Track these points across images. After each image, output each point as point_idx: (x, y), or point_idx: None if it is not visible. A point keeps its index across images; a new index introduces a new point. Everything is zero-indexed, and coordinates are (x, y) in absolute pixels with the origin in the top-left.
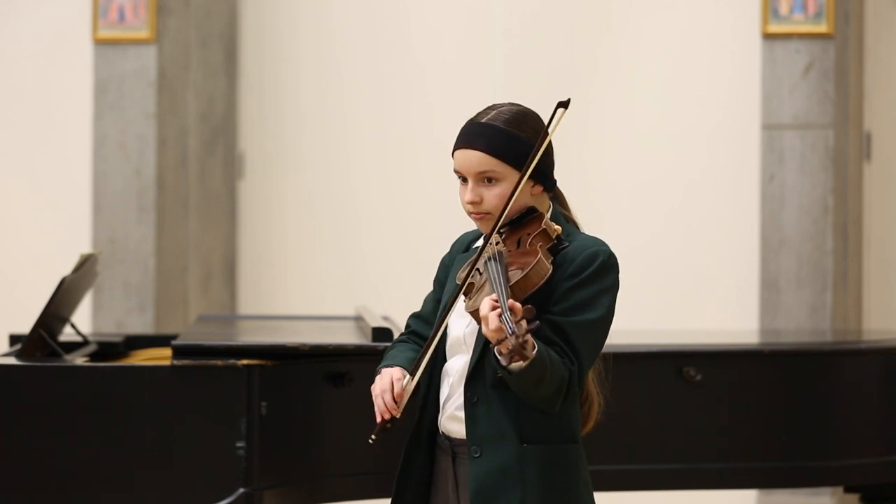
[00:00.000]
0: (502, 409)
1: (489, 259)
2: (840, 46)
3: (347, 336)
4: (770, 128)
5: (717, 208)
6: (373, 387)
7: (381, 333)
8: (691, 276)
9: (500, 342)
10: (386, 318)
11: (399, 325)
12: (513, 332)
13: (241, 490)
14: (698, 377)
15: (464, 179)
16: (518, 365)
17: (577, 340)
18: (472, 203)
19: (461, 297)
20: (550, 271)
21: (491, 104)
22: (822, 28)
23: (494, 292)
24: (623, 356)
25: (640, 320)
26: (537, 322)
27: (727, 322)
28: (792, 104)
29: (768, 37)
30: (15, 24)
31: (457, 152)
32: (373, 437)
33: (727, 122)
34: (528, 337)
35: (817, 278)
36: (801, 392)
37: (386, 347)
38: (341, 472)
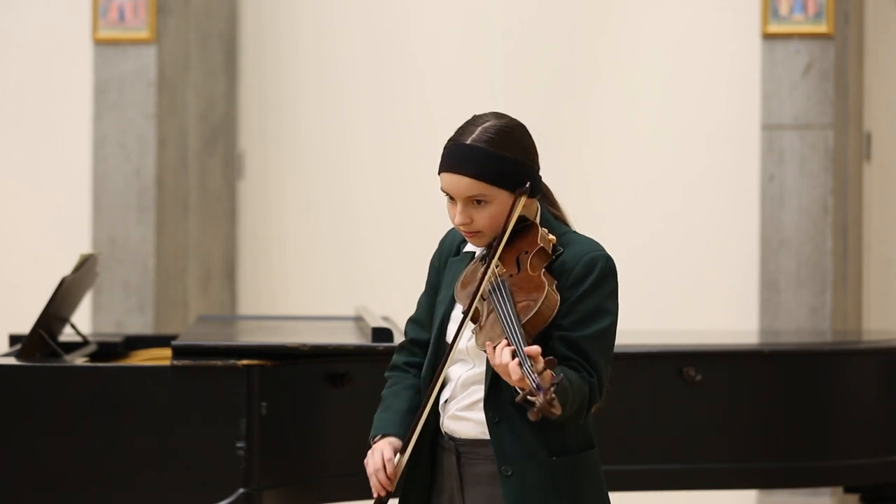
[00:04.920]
0: (526, 427)
1: (493, 289)
2: (840, 47)
3: (347, 336)
4: (770, 128)
5: (717, 208)
6: (366, 461)
7: (381, 333)
8: (691, 276)
9: (524, 396)
10: (386, 318)
11: (399, 326)
12: (538, 387)
13: (241, 490)
14: (698, 377)
15: (452, 198)
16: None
17: (592, 352)
18: (463, 224)
19: (468, 323)
20: (559, 301)
21: (472, 118)
22: (821, 28)
23: (505, 332)
24: (623, 356)
25: (640, 320)
26: (562, 375)
27: (727, 322)
28: (792, 104)
29: (768, 37)
30: (15, 25)
31: (443, 175)
32: None
33: (727, 122)
34: (554, 393)
35: (817, 279)
36: (801, 392)
37: (387, 370)
38: (341, 472)
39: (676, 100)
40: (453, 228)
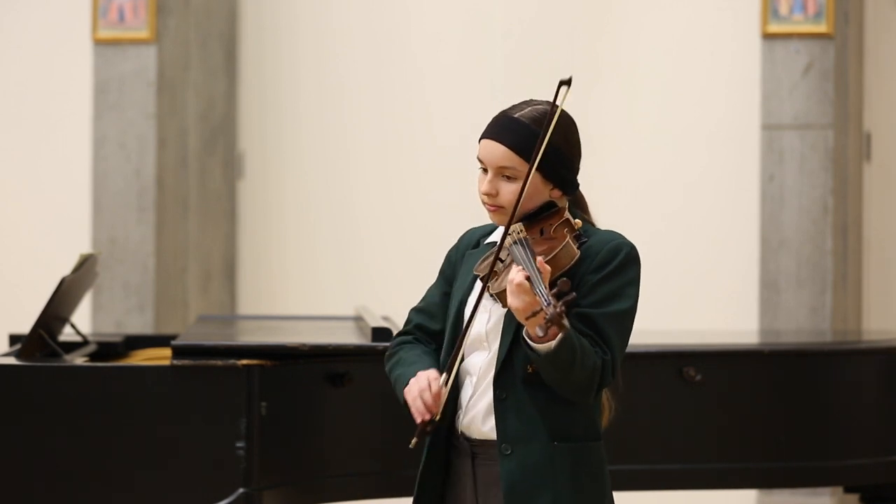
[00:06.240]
0: (532, 407)
1: (514, 243)
2: (840, 47)
3: (347, 336)
4: (770, 128)
5: (717, 208)
6: (407, 390)
7: (381, 333)
8: (691, 276)
9: (534, 314)
10: (386, 318)
11: (399, 326)
12: (549, 303)
13: (241, 490)
14: (698, 377)
15: (484, 169)
16: (547, 346)
17: (608, 331)
18: (487, 194)
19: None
20: (578, 255)
21: (528, 99)
22: (821, 28)
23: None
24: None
25: (640, 320)
26: (573, 293)
27: (727, 322)
28: (792, 104)
29: (768, 37)
30: (15, 25)
31: (483, 141)
32: (414, 440)
33: (727, 122)
34: (564, 308)
35: (817, 279)
36: (801, 392)
37: (390, 348)
38: (341, 472)
39: (676, 100)
40: (472, 227)
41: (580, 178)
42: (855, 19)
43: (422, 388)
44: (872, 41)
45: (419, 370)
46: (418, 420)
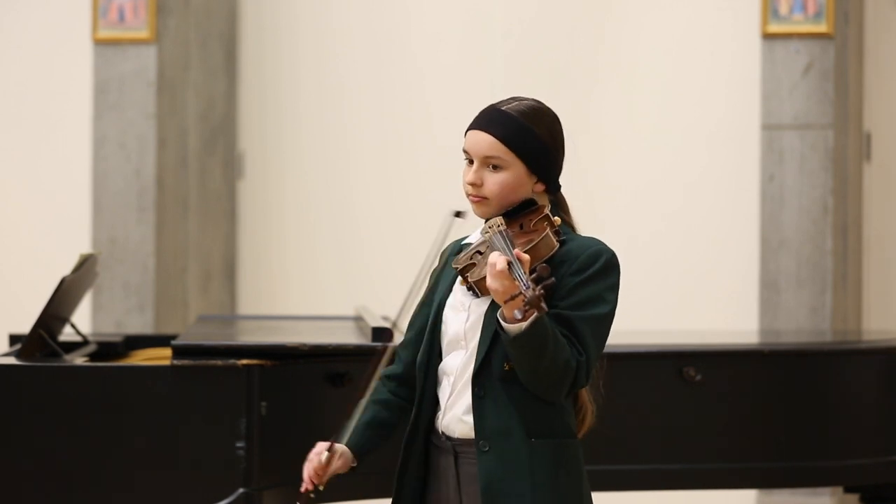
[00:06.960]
0: (510, 404)
1: (494, 235)
2: (840, 47)
3: (347, 336)
4: (770, 128)
5: (717, 208)
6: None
7: (381, 333)
8: (691, 276)
9: (513, 297)
10: (386, 318)
11: (399, 325)
12: (528, 287)
13: (241, 490)
14: (698, 377)
15: (470, 161)
16: (518, 327)
17: (584, 333)
18: (472, 184)
19: (461, 291)
20: (558, 246)
21: (515, 95)
22: (821, 28)
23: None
24: (623, 356)
25: (640, 320)
26: (552, 279)
27: (727, 322)
28: (792, 104)
29: (768, 37)
30: (15, 25)
31: (469, 132)
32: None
33: (727, 122)
34: (543, 291)
35: (817, 278)
36: (801, 392)
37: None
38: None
39: (676, 100)
40: (452, 241)
41: (570, 179)
42: (855, 19)
43: (310, 457)
44: (872, 41)
45: (350, 429)
46: (301, 488)
